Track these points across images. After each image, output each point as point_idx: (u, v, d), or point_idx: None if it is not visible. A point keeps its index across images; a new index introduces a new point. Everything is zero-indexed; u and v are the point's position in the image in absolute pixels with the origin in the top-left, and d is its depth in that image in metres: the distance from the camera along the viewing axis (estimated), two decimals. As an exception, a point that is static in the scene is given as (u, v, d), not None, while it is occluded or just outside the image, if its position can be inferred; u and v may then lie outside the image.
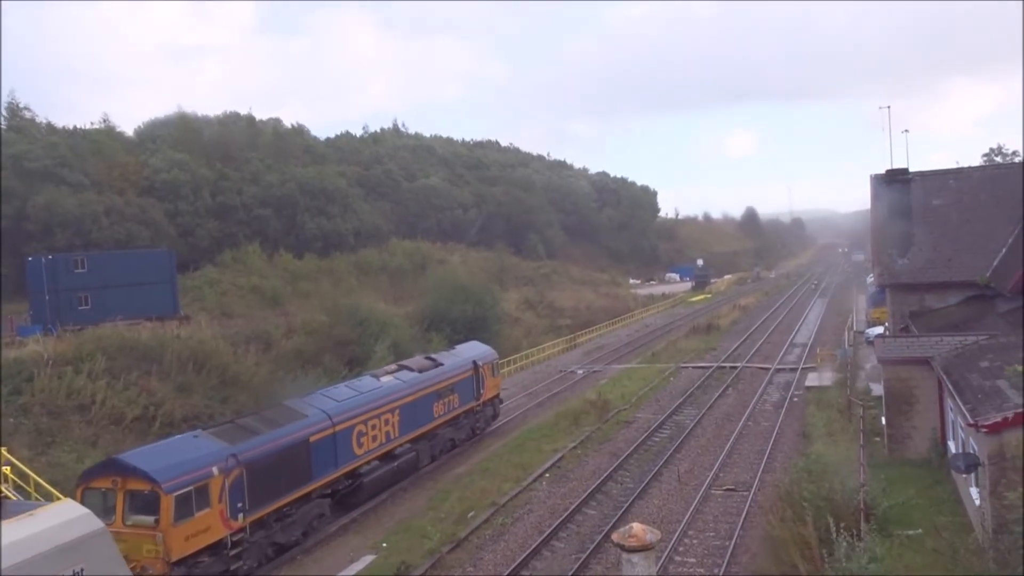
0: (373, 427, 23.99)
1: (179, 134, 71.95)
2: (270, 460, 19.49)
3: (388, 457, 25.01)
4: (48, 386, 29.71)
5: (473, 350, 33.01)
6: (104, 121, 72.91)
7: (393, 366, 28.33)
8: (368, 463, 23.89)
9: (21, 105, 63.66)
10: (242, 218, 64.63)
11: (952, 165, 35.98)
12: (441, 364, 29.47)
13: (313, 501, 21.37)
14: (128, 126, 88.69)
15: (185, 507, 16.94)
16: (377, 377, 26.23)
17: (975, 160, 75.94)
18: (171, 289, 46.48)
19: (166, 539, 16.40)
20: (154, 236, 55.94)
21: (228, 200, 63.90)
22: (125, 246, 52.24)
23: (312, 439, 21.18)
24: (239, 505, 18.38)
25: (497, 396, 33.82)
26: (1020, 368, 16.46)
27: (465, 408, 30.24)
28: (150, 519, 16.61)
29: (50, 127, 63.47)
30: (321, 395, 23.46)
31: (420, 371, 27.86)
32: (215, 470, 17.80)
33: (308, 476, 20.97)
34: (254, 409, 24.31)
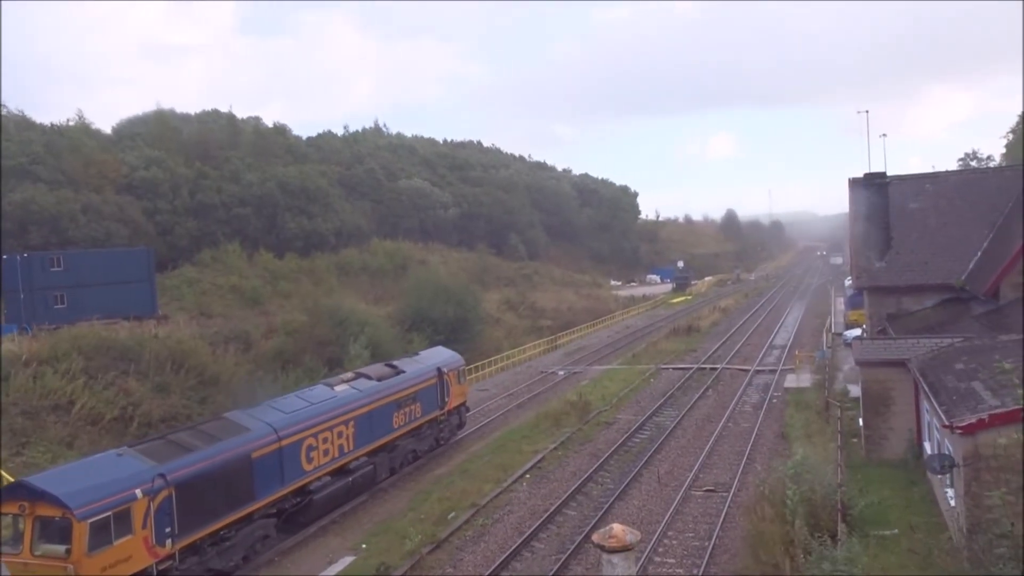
0: (325, 440, 22.48)
1: (157, 131, 71.28)
2: (205, 479, 17.93)
3: (342, 472, 23.53)
4: (23, 386, 29.34)
5: (438, 356, 31.57)
6: (79, 118, 72.10)
7: (350, 374, 26.73)
8: (319, 479, 22.38)
9: (-4, 101, 62.72)
10: (222, 217, 64.12)
11: (928, 169, 36.49)
12: (402, 371, 27.95)
13: (256, 522, 19.83)
14: (107, 124, 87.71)
15: (102, 535, 15.38)
16: (331, 386, 24.65)
17: (950, 164, 77.10)
18: (149, 288, 46.05)
19: (78, 571, 14.87)
20: (132, 234, 55.35)
21: (207, 199, 63.37)
22: (103, 244, 51.67)
23: (255, 455, 19.61)
24: (167, 530, 16.88)
25: (464, 404, 32.31)
26: (1007, 365, 16.67)
27: (428, 418, 28.82)
28: (61, 549, 15.09)
29: (25, 122, 62.55)
30: (268, 407, 21.88)
31: (379, 379, 26.32)
32: (138, 492, 16.23)
33: (250, 495, 19.40)
34: (191, 423, 22.75)
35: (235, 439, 19.40)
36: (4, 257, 43.00)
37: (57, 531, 15.26)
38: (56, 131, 64.31)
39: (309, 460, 21.80)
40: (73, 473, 16.48)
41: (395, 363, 28.86)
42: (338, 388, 24.55)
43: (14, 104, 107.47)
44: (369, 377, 26.27)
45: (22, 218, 49.90)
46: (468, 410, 33.25)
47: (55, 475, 16.60)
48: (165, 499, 16.87)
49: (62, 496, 15.21)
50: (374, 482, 25.26)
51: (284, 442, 20.75)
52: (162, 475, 16.90)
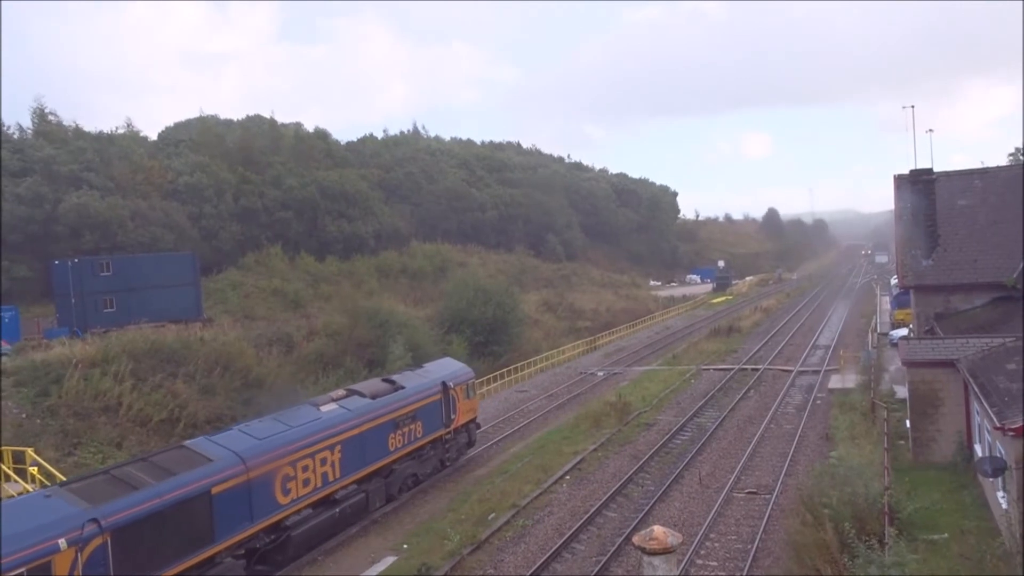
0: (305, 468, 20.15)
1: (201, 138, 72.71)
2: (151, 522, 15.64)
3: (326, 503, 21.25)
4: (75, 388, 30.11)
5: (443, 369, 29.13)
6: (128, 125, 73.94)
7: (341, 391, 24.20)
8: (298, 512, 20.06)
9: (47, 110, 64.55)
10: (264, 221, 65.17)
11: (972, 165, 35.54)
12: (401, 387, 25.49)
13: (221, 564, 17.55)
14: (151, 131, 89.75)
15: None
16: (317, 406, 22.18)
17: (996, 160, 75.08)
18: (195, 292, 46.93)
19: None
20: (178, 239, 56.52)
21: (250, 203, 64.45)
22: (150, 249, 52.83)
23: (216, 490, 17.26)
24: None
25: (473, 420, 29.96)
26: None
27: (431, 437, 26.44)
28: None
29: (77, 131, 64.29)
30: (239, 432, 19.57)
31: (373, 397, 23.98)
32: (63, 543, 13.96)
33: (209, 537, 17.06)
34: (144, 454, 20.21)
35: (192, 473, 17.09)
36: (55, 263, 44.23)
37: None
38: (106, 139, 65.97)
39: (285, 492, 19.43)
40: None
41: (394, 378, 26.57)
42: (325, 408, 22.17)
43: (66, 114, 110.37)
44: (362, 394, 23.90)
45: (76, 223, 51.27)
46: (479, 427, 31.04)
47: None
48: (98, 548, 14.50)
49: None
50: (366, 511, 22.96)
51: (253, 473, 18.33)
52: (95, 520, 14.61)
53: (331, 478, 21.19)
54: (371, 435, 23.00)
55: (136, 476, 16.31)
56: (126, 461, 18.97)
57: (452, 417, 27.72)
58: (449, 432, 27.77)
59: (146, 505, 15.65)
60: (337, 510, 21.36)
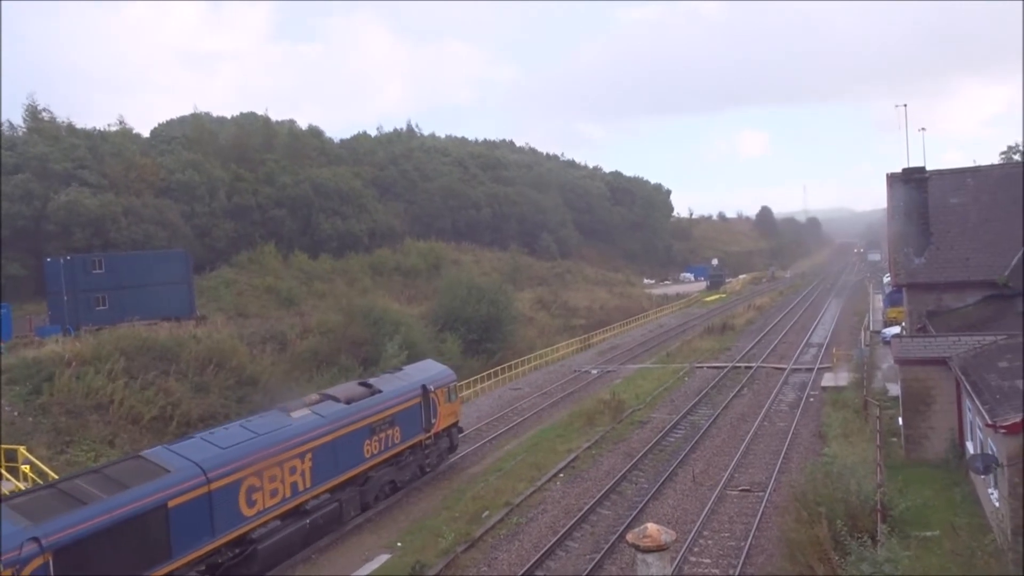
0: (273, 478, 19.24)
1: (194, 135, 72.49)
2: (100, 539, 14.72)
3: (296, 514, 20.33)
4: (67, 386, 30.00)
5: (424, 372, 28.22)
6: (120, 122, 73.64)
7: (315, 396, 23.26)
8: (265, 524, 19.13)
9: (40, 107, 64.25)
10: (257, 219, 65.01)
11: (965, 164, 35.67)
12: (378, 391, 24.63)
13: None
14: (144, 129, 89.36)
15: None
16: (288, 412, 21.25)
17: (989, 159, 75.42)
18: (187, 290, 46.78)
19: None
20: (171, 237, 56.34)
21: (243, 201, 64.27)
22: (142, 247, 52.66)
23: (173, 503, 16.37)
24: None
25: (455, 425, 29.19)
26: None
27: (410, 442, 25.59)
28: None
29: (71, 128, 64.01)
30: (201, 440, 18.65)
31: (348, 402, 23.08)
32: None
33: (165, 553, 16.14)
34: (96, 466, 19.36)
35: (147, 485, 16.19)
36: (47, 260, 44.04)
37: None
38: (99, 136, 65.70)
39: (251, 504, 18.51)
40: None
41: (371, 381, 25.70)
42: (295, 414, 21.24)
43: (59, 111, 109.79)
44: (336, 399, 23.02)
45: (66, 221, 51.06)
46: (461, 431, 30.22)
47: None
48: (38, 570, 13.70)
49: None
50: (340, 521, 22.12)
51: (215, 485, 17.46)
52: (35, 539, 13.75)
53: (301, 488, 20.29)
54: (345, 442, 22.08)
55: (85, 490, 15.41)
56: (76, 473, 18.08)
57: (432, 421, 26.91)
58: (429, 437, 26.93)
59: (94, 521, 14.74)
60: (308, 521, 20.53)
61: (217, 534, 17.52)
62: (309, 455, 20.56)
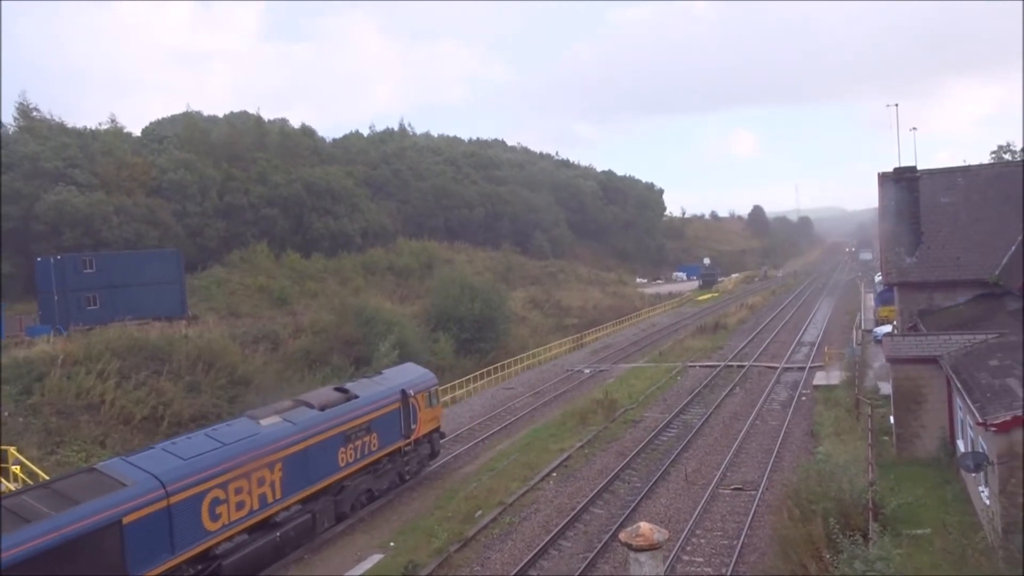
0: (239, 490, 18.32)
1: (186, 134, 72.21)
2: (44, 559, 13.84)
3: (265, 526, 19.38)
4: (58, 386, 29.87)
5: (403, 376, 27.31)
6: (112, 121, 73.30)
7: (287, 402, 22.35)
8: (230, 538, 18.18)
9: (31, 106, 63.90)
10: (249, 218, 64.79)
11: (956, 163, 35.85)
12: (355, 397, 23.77)
13: None
14: (136, 128, 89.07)
15: None
16: (257, 420, 20.32)
17: (979, 159, 75.77)
18: (179, 289, 46.63)
19: None
20: (162, 236, 56.13)
21: (235, 200, 64.06)
22: (134, 246, 52.46)
23: (128, 519, 15.43)
24: None
25: (437, 430, 28.30)
26: None
27: (388, 449, 24.73)
28: None
29: (62, 127, 63.67)
30: (162, 451, 17.69)
31: (322, 408, 22.16)
32: None
33: (119, 572, 15.33)
34: (48, 480, 18.48)
35: (99, 500, 15.21)
36: (38, 259, 43.82)
37: None
38: (90, 135, 65.37)
39: (215, 517, 17.61)
40: None
41: (347, 386, 24.84)
42: (265, 422, 20.29)
43: (50, 110, 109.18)
44: (310, 405, 22.11)
45: (55, 220, 50.79)
46: (443, 436, 29.45)
47: None
48: None
49: None
50: (312, 533, 21.17)
51: (175, 498, 16.59)
52: None
53: (270, 499, 19.39)
54: (318, 450, 21.22)
55: (31, 507, 14.55)
56: (23, 489, 17.05)
57: (412, 427, 26.07)
58: (409, 443, 26.06)
59: (39, 541, 13.84)
60: (278, 534, 19.55)
61: (177, 551, 16.66)
62: (279, 465, 19.71)
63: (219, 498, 17.78)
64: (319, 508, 21.39)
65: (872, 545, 14.96)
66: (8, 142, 56.26)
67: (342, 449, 22.30)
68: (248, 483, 18.65)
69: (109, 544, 15.03)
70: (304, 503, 20.84)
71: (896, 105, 34.32)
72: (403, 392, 25.80)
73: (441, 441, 29.19)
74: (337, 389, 24.41)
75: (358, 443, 23.04)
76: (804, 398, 35.44)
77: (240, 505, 18.42)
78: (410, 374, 27.84)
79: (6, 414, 27.62)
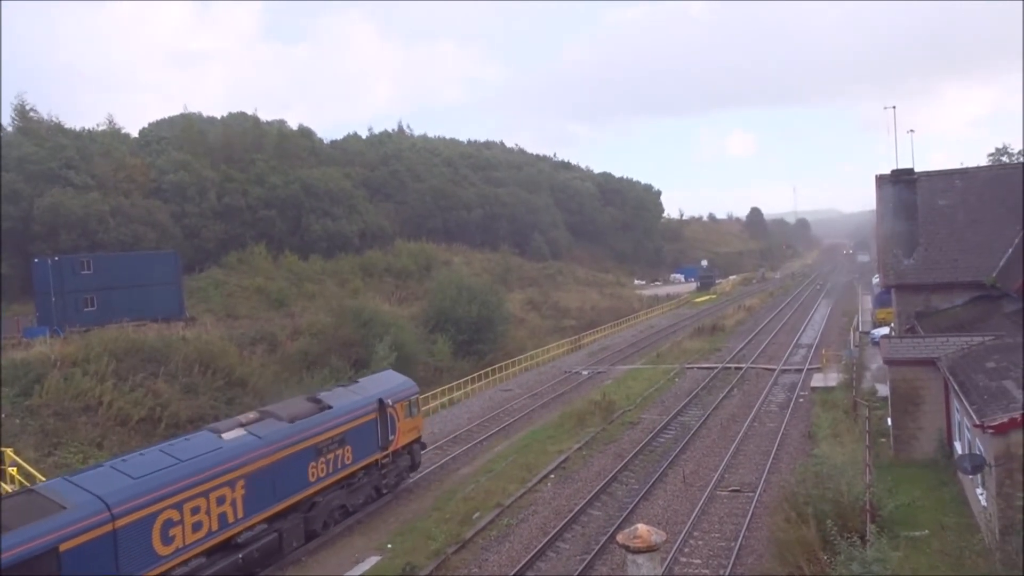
0: (196, 510, 16.98)
1: (184, 135, 72.15)
2: None
3: (226, 548, 18.08)
4: (55, 387, 29.82)
5: (381, 384, 25.92)
6: (109, 122, 73.21)
7: (253, 414, 21.02)
8: (185, 562, 16.81)
9: (28, 107, 63.78)
10: (247, 219, 64.73)
11: (952, 165, 35.94)
12: (328, 407, 22.45)
13: None
14: (133, 129, 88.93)
15: None
16: (219, 433, 19.03)
17: (975, 160, 75.98)
18: (176, 291, 46.60)
19: None
20: (160, 238, 56.08)
21: (233, 201, 64.00)
22: (131, 248, 52.40)
23: (65, 546, 14.13)
24: None
25: (417, 441, 27.03)
26: None
27: (364, 462, 23.46)
28: None
29: (59, 128, 63.56)
30: (110, 469, 16.31)
31: (291, 420, 20.82)
32: None
33: None
34: None
35: (33, 526, 13.95)
36: (36, 261, 43.76)
37: None
38: (88, 136, 65.29)
39: (167, 540, 16.26)
40: None
41: (320, 396, 23.44)
42: (227, 435, 19.02)
43: (47, 110, 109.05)
44: (278, 417, 20.79)
45: (52, 222, 50.72)
46: (424, 447, 28.01)
47: None
48: None
49: None
50: (279, 553, 19.85)
51: (121, 521, 15.25)
52: None
53: (231, 519, 18.04)
54: (285, 465, 19.90)
55: None
56: None
57: (390, 438, 24.80)
58: (387, 455, 24.85)
59: None
60: (240, 555, 18.23)
61: None
62: (241, 482, 18.35)
63: (173, 519, 16.45)
64: (287, 527, 20.12)
65: (869, 547, 14.97)
66: (6, 143, 56.18)
67: (312, 463, 21.07)
68: (206, 502, 17.37)
69: (43, 574, 13.77)
70: (270, 521, 19.59)
71: (894, 107, 34.46)
72: (380, 402, 24.52)
73: (425, 449, 28.27)
74: (309, 399, 23.13)
75: (330, 456, 21.81)
76: (802, 400, 35.46)
77: (197, 526, 17.09)
78: (388, 383, 26.52)
79: (3, 415, 27.57)
